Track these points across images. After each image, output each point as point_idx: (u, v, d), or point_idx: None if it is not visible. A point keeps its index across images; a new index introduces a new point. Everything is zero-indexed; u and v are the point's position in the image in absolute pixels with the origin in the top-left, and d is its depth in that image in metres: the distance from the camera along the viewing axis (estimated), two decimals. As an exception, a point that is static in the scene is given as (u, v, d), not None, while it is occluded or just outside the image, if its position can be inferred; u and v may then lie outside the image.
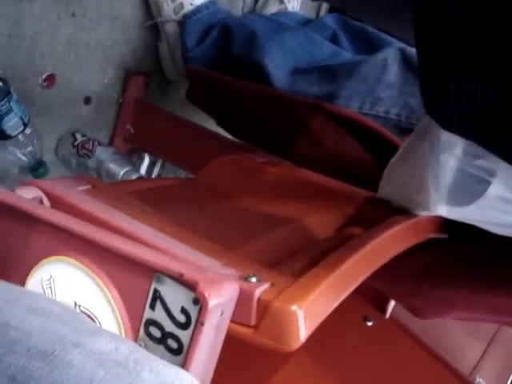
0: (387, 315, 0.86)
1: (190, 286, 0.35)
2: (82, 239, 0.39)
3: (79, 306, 0.40)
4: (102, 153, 1.00)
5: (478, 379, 0.99)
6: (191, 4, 0.99)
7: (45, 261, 0.41)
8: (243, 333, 0.38)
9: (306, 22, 1.06)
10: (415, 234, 0.59)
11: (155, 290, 0.36)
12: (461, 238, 0.66)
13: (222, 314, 0.36)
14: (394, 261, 0.52)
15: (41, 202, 0.48)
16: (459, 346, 0.99)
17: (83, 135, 1.02)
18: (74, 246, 0.40)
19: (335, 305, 0.42)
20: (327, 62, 0.87)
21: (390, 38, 0.96)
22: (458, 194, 0.54)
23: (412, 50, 0.80)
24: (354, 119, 0.79)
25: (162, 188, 0.67)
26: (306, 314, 0.37)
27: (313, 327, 0.38)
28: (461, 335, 1.01)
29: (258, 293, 0.38)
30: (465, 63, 0.36)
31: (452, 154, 0.52)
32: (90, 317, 0.39)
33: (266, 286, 0.39)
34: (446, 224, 0.64)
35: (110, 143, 1.11)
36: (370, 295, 0.86)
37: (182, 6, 0.99)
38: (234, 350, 0.39)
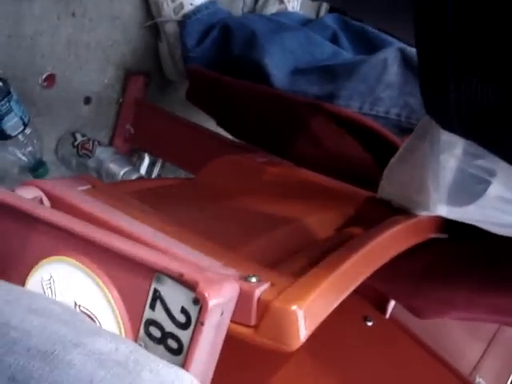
0: (387, 315, 0.86)
1: (190, 286, 0.35)
2: (82, 239, 0.39)
3: (79, 306, 0.40)
4: (102, 153, 1.00)
5: (477, 379, 0.99)
6: (191, 4, 0.99)
7: (45, 261, 0.41)
8: (243, 333, 0.38)
9: (305, 22, 1.06)
10: (415, 234, 0.59)
11: (155, 290, 0.36)
12: (461, 238, 0.66)
13: (222, 314, 0.36)
14: (394, 261, 0.52)
15: (41, 202, 0.48)
16: (459, 346, 0.99)
17: (83, 135, 1.02)
18: (74, 246, 0.40)
19: (335, 305, 0.41)
20: (327, 62, 0.87)
21: (389, 38, 0.96)
22: (458, 194, 0.54)
23: (412, 50, 0.80)
24: (354, 119, 0.79)
25: (162, 188, 0.67)
26: (306, 313, 0.37)
27: (313, 327, 0.38)
28: (461, 335, 1.01)
29: (258, 293, 0.38)
30: (465, 63, 0.36)
31: (452, 153, 0.52)
32: (89, 317, 0.39)
33: (266, 286, 0.39)
34: (446, 224, 0.64)
35: (110, 143, 1.11)
36: (370, 295, 0.86)
37: (181, 5, 0.99)
38: (234, 350, 0.39)
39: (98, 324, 0.39)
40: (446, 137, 0.51)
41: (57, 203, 0.48)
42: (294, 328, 0.37)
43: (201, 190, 0.71)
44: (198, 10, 0.99)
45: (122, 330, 0.38)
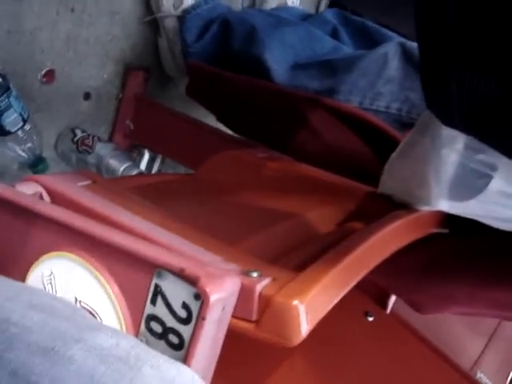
0: (388, 310, 0.86)
1: (191, 281, 0.35)
2: (82, 234, 0.39)
3: (80, 301, 0.40)
4: (102, 148, 1.00)
5: (478, 374, 0.99)
6: (191, -1, 0.98)
7: (45, 256, 0.41)
8: (245, 328, 0.38)
9: (305, 17, 1.06)
10: (416, 229, 0.59)
11: (156, 285, 0.36)
12: (462, 233, 0.66)
13: (223, 309, 0.36)
14: (394, 256, 0.52)
15: (41, 197, 0.48)
16: (460, 341, 0.99)
17: (83, 131, 1.02)
18: (74, 241, 0.40)
19: (336, 300, 0.41)
20: (327, 57, 0.87)
21: (390, 33, 0.96)
22: (460, 189, 0.54)
23: (412, 45, 0.80)
24: (354, 114, 0.79)
25: (162, 183, 0.67)
26: (307, 308, 0.37)
27: (314, 322, 0.38)
28: (462, 330, 1.01)
29: (259, 288, 0.38)
30: (466, 57, 0.36)
31: (453, 148, 0.52)
32: (90, 312, 0.39)
33: (267, 280, 0.39)
34: (447, 219, 0.64)
35: (110, 139, 1.11)
36: (371, 290, 0.85)
37: (181, 0, 0.98)
38: (235, 345, 0.39)
39: (99, 319, 0.39)
40: (447, 131, 0.51)
41: (57, 199, 0.48)
42: (296, 323, 0.37)
43: (201, 185, 0.70)
44: (197, 4, 0.98)
45: (123, 326, 0.38)
